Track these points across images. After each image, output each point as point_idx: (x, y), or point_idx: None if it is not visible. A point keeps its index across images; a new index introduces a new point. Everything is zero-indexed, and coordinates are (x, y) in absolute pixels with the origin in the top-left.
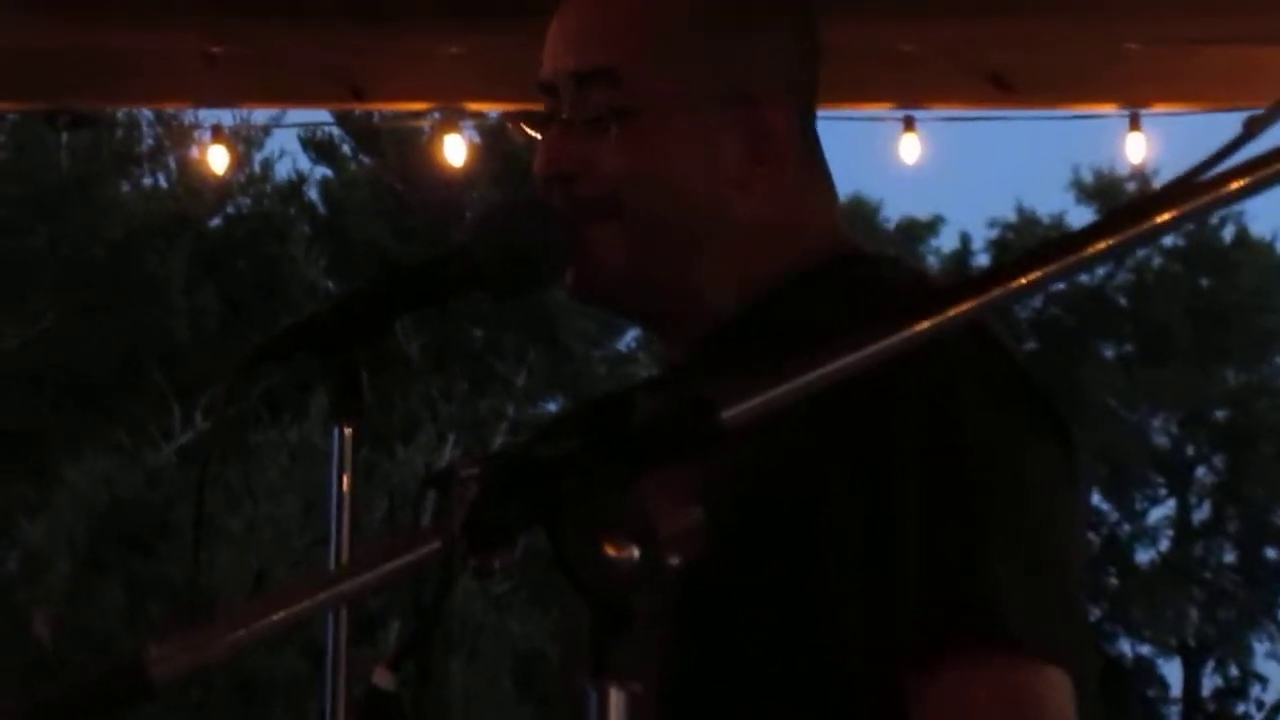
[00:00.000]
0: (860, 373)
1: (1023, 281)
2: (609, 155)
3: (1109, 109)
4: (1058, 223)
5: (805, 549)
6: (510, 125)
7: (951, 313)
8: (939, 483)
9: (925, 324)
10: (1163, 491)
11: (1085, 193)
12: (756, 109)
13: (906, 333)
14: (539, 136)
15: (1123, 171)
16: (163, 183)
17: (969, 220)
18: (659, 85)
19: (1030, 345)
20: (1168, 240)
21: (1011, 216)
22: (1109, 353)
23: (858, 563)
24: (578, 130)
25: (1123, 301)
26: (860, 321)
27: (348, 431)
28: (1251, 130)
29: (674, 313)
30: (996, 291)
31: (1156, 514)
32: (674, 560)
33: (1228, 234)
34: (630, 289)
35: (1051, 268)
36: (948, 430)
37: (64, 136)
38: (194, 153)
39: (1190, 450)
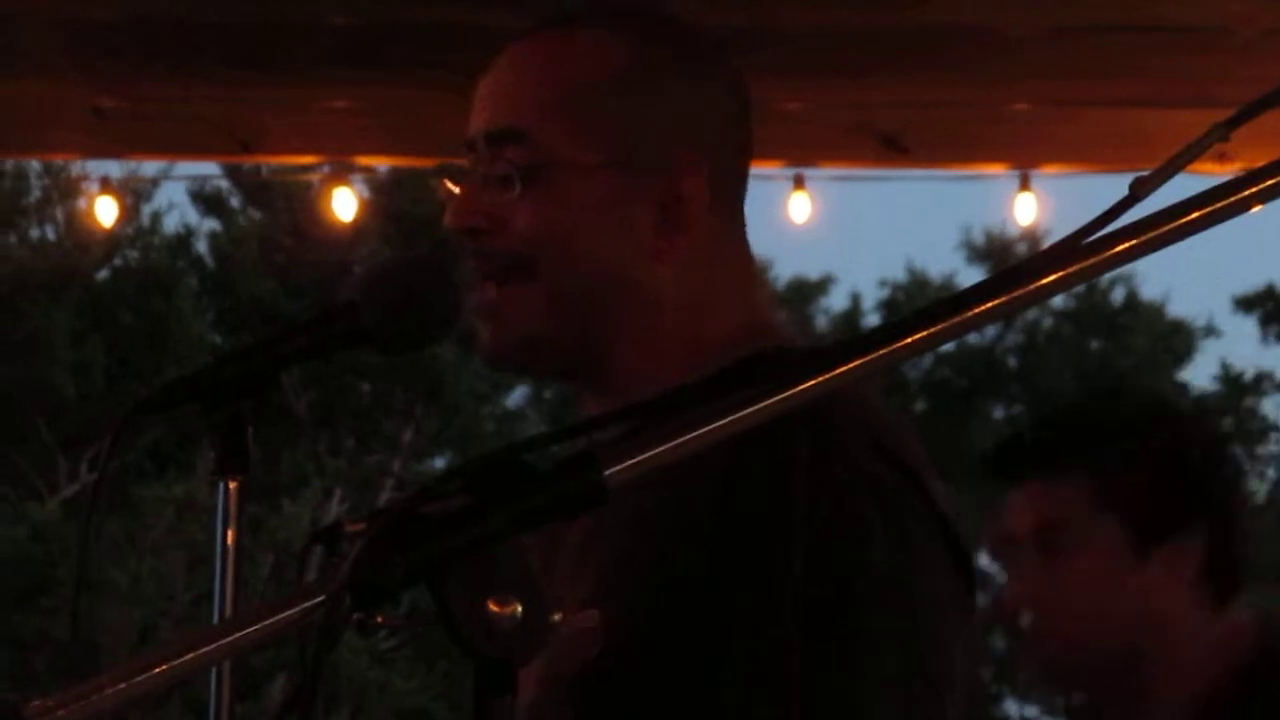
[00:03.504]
0: (742, 434)
1: (911, 341)
2: (517, 214)
3: (999, 169)
4: (948, 283)
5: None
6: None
7: (839, 372)
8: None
9: (811, 384)
10: None
11: (976, 253)
12: (669, 175)
13: (791, 393)
14: (456, 191)
15: (1013, 232)
16: (50, 235)
17: (859, 280)
18: (567, 146)
19: (920, 405)
20: (1058, 302)
21: (902, 277)
22: (998, 413)
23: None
24: (491, 188)
25: (1013, 363)
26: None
27: (233, 486)
28: (1138, 192)
29: (586, 380)
30: (885, 351)
31: None
32: (557, 617)
33: (1118, 296)
34: (539, 354)
35: (940, 327)
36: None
37: None
38: (81, 204)
39: None
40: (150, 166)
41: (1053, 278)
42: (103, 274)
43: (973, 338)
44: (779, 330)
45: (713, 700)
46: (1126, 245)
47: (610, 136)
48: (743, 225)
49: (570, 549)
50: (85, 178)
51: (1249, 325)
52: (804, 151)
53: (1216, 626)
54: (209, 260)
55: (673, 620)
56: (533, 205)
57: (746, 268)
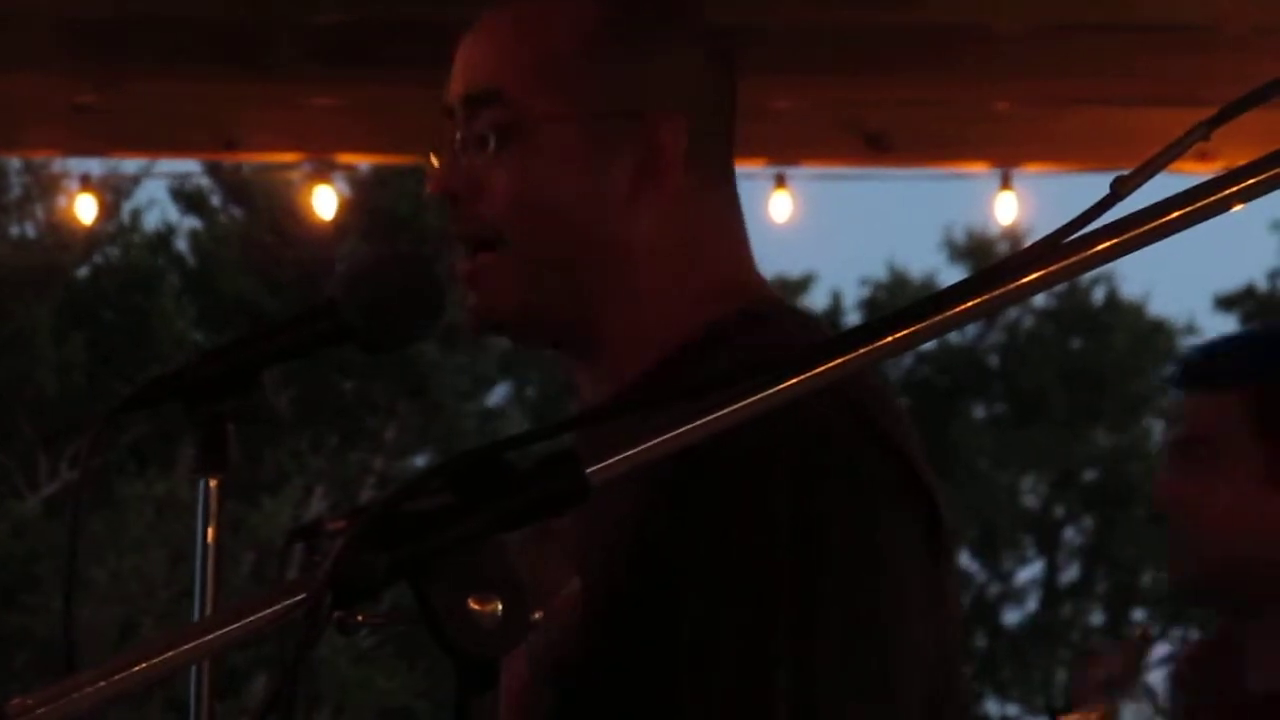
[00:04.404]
0: (726, 430)
1: (892, 340)
2: (494, 175)
3: (980, 168)
4: (929, 282)
5: (655, 640)
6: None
7: (820, 370)
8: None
9: (793, 382)
10: (1031, 552)
11: (957, 252)
12: (645, 126)
13: (773, 390)
14: (436, 163)
15: (994, 231)
16: (30, 232)
17: (840, 279)
18: (543, 103)
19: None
20: (1039, 301)
21: (883, 275)
22: (980, 413)
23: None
24: (470, 153)
25: (994, 362)
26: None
27: (214, 484)
28: (1119, 191)
29: (571, 345)
30: (866, 349)
31: (1025, 575)
32: (538, 615)
33: (1099, 296)
34: (525, 319)
35: (921, 326)
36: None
37: None
38: (62, 202)
39: (1060, 511)
40: (131, 164)
41: (1034, 277)
42: (83, 271)
43: (954, 337)
44: (762, 287)
45: (669, 695)
46: (1107, 244)
47: (584, 92)
48: (730, 183)
49: (563, 536)
50: (66, 175)
51: (1229, 325)
52: (787, 149)
53: None
54: (190, 258)
55: (642, 611)
56: (508, 164)
57: (731, 224)
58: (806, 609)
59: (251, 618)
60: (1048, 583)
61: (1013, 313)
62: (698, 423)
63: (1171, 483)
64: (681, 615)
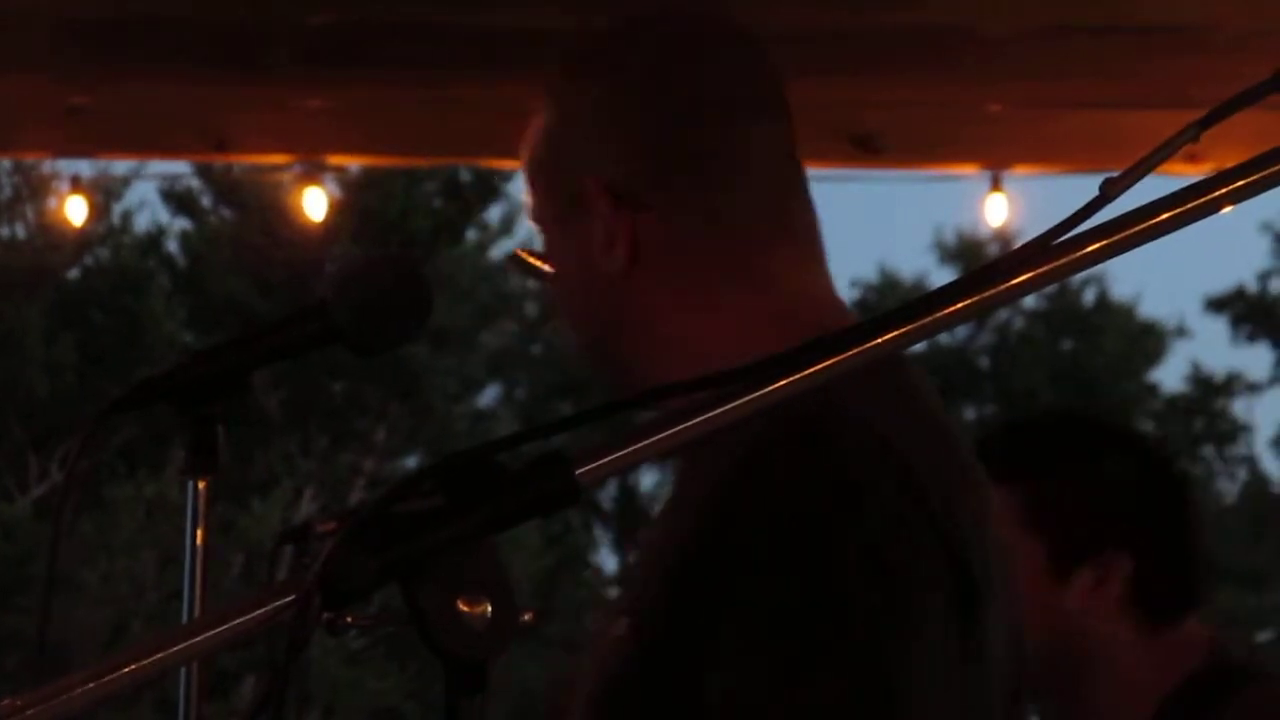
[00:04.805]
0: (714, 432)
1: (882, 341)
2: None
3: (970, 170)
4: (920, 283)
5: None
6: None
7: (810, 372)
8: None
9: (785, 382)
10: None
11: (947, 254)
12: (583, 198)
13: (770, 390)
14: None
15: (984, 233)
16: (20, 233)
17: None
18: (538, 196)
19: None
20: (1030, 303)
21: (873, 277)
22: (970, 414)
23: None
24: None
25: (985, 363)
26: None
27: (203, 485)
28: (1109, 193)
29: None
30: (856, 351)
31: None
32: (526, 617)
33: (1089, 297)
34: (593, 367)
35: (911, 327)
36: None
37: None
38: (52, 203)
39: None
40: (121, 165)
41: (1024, 278)
42: (74, 273)
43: (944, 338)
44: (826, 301)
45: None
46: (1097, 246)
47: (549, 185)
48: (727, 211)
49: (630, 570)
50: (56, 176)
51: (1220, 326)
52: None
53: (1159, 644)
54: (180, 259)
55: (659, 634)
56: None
57: (733, 254)
58: (810, 661)
59: (241, 619)
60: None
61: (1003, 314)
62: (692, 423)
63: None
64: (703, 660)
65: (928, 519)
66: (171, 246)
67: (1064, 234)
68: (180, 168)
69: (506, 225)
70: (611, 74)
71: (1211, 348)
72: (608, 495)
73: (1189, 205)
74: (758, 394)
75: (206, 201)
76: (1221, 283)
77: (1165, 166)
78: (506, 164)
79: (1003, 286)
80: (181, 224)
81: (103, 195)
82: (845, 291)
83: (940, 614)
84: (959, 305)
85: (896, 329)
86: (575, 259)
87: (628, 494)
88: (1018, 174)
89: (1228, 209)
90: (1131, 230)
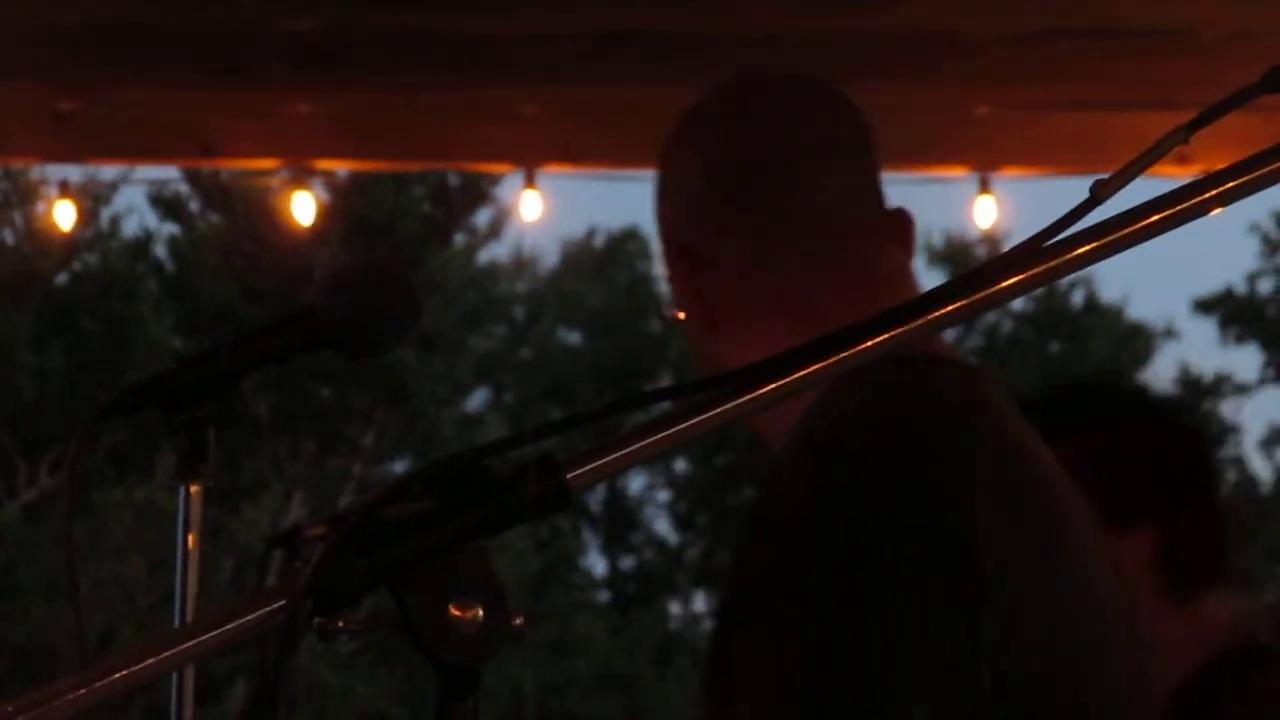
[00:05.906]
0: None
1: (871, 344)
2: None
3: (959, 172)
4: None
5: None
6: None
7: (798, 376)
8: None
9: (772, 387)
10: None
11: (936, 256)
12: (680, 265)
13: (767, 390)
14: None
15: (973, 235)
16: (9, 239)
17: None
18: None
19: None
20: (1018, 305)
21: None
22: None
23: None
24: None
25: None
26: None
27: (194, 490)
28: (1098, 194)
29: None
30: (846, 354)
31: None
32: (518, 620)
33: (1078, 299)
34: None
35: (899, 330)
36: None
37: None
38: (40, 208)
39: None
40: (109, 170)
41: (1013, 281)
42: (62, 278)
43: None
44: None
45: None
46: (1087, 248)
47: (664, 250)
48: (789, 260)
49: None
50: (44, 181)
51: (1208, 328)
52: None
53: (1185, 619)
54: (169, 264)
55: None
56: None
57: (794, 300)
58: (822, 652)
59: (232, 624)
60: None
61: (991, 316)
62: (682, 427)
63: None
64: (725, 622)
65: (938, 517)
66: (160, 251)
67: (1054, 236)
68: (168, 173)
69: (494, 229)
70: (693, 145)
71: (1200, 349)
72: (596, 499)
73: (1179, 207)
74: (759, 393)
75: (195, 206)
76: (1210, 284)
77: (1155, 168)
78: (494, 168)
79: (993, 289)
80: (170, 229)
81: (91, 201)
82: None
83: (946, 633)
84: (949, 308)
85: (885, 332)
86: (684, 311)
87: (616, 497)
88: (1006, 176)
89: (1217, 211)
90: (1121, 232)
